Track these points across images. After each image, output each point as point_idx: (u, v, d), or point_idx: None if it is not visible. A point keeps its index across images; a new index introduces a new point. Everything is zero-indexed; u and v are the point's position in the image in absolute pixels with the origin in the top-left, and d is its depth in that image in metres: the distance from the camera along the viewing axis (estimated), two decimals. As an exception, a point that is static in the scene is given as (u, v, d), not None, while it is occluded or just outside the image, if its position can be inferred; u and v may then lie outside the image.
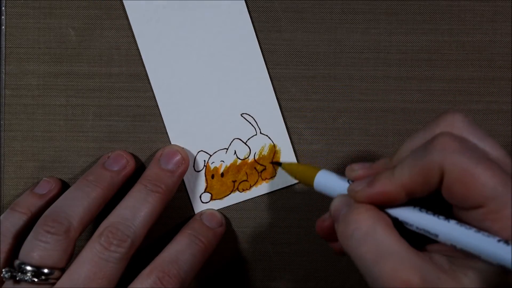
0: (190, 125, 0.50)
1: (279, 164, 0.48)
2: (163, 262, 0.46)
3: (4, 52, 0.50)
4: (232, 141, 0.51)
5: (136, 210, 0.46)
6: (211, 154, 0.51)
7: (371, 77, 0.51)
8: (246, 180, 0.51)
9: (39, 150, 0.51)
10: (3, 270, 0.45)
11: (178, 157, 0.49)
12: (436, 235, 0.37)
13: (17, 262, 0.45)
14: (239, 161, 0.51)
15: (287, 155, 0.51)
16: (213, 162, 0.51)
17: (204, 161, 0.51)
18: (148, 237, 0.47)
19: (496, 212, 0.35)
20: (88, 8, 0.50)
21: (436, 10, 0.50)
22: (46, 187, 0.49)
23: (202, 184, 0.51)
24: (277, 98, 0.51)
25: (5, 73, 0.50)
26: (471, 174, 0.35)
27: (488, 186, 0.35)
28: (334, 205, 0.40)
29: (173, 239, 0.48)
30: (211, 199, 0.51)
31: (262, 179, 0.51)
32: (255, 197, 0.51)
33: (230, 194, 0.51)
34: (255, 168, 0.51)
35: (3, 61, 0.50)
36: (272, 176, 0.51)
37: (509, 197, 0.35)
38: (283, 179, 0.51)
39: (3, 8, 0.50)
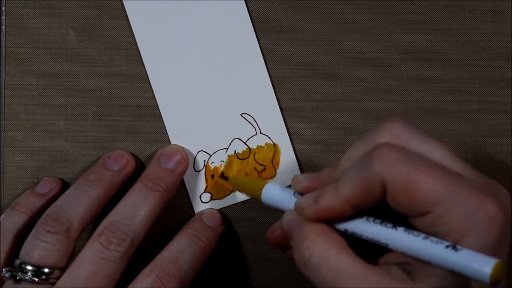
0: (190, 125, 0.50)
1: (225, 178, 0.48)
2: (163, 262, 0.46)
3: (4, 52, 0.50)
4: (232, 141, 0.51)
5: (136, 209, 0.46)
6: (211, 154, 0.51)
7: (371, 77, 0.51)
8: (246, 180, 0.51)
9: (39, 150, 0.51)
10: (3, 269, 0.45)
11: (178, 156, 0.49)
12: (386, 244, 0.37)
13: (17, 261, 0.44)
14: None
15: (287, 155, 0.51)
16: (213, 162, 0.51)
17: (204, 161, 0.51)
18: (148, 237, 0.47)
19: (441, 217, 0.35)
20: (88, 8, 0.50)
21: (436, 10, 0.50)
22: (47, 186, 0.49)
23: (202, 184, 0.51)
24: (277, 98, 0.50)
25: (5, 73, 0.50)
26: (413, 183, 0.35)
27: (431, 193, 0.35)
28: (285, 222, 0.41)
29: (173, 239, 0.48)
30: (211, 199, 0.51)
31: (262, 179, 0.51)
32: (255, 197, 0.51)
33: (230, 194, 0.51)
34: (255, 168, 0.51)
35: (3, 61, 0.50)
36: (272, 176, 0.51)
37: (453, 200, 0.35)
38: (283, 179, 0.51)
39: (3, 8, 0.50)
